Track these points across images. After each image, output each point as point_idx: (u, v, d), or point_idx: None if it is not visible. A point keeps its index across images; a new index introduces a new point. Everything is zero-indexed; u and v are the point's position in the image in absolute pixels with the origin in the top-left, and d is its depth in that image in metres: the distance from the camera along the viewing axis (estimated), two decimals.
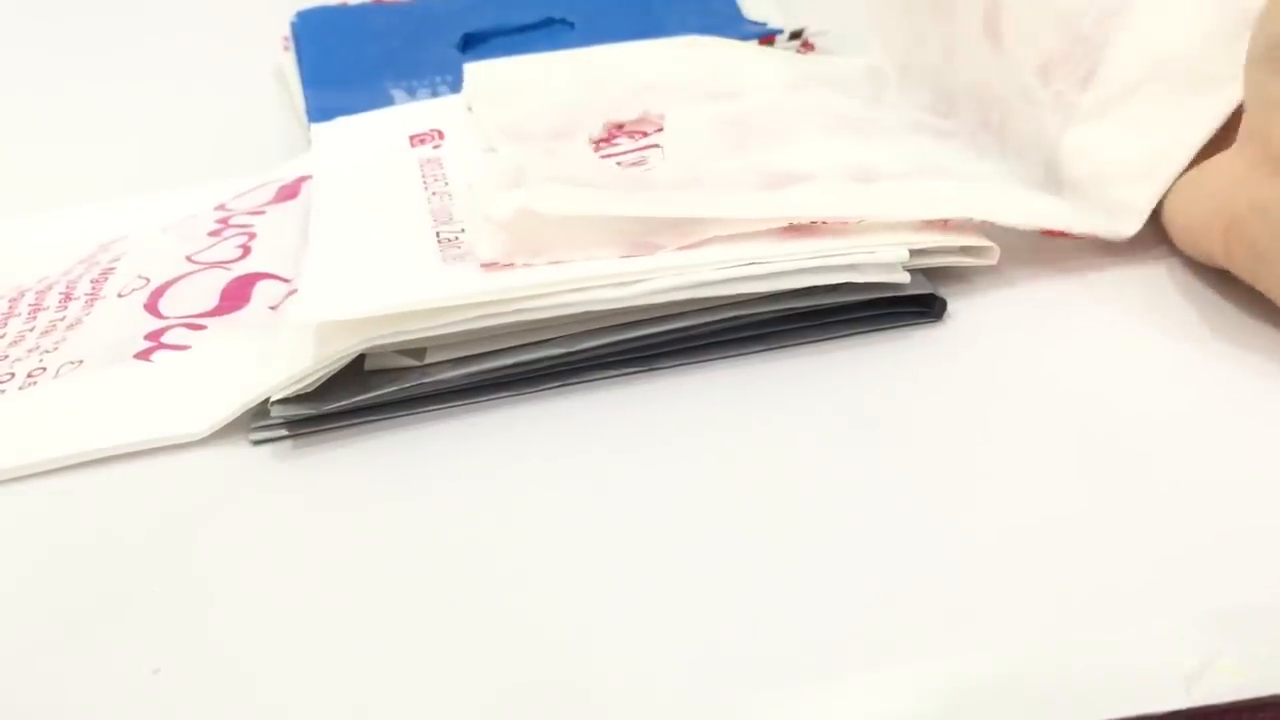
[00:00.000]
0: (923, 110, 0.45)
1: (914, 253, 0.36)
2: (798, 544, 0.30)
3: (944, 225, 0.36)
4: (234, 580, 0.30)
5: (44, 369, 0.37)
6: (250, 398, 0.34)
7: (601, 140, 0.43)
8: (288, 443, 0.35)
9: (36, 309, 0.40)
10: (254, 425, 0.35)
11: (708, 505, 0.31)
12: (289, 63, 0.56)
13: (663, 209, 0.36)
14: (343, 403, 0.34)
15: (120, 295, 0.40)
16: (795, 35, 0.55)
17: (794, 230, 0.36)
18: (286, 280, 0.39)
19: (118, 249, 0.44)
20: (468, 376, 0.35)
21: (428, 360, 0.35)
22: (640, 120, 0.44)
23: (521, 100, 0.46)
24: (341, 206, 0.40)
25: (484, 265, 0.35)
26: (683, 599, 0.28)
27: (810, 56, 0.52)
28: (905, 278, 0.36)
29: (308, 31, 0.57)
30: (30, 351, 0.38)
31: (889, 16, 0.48)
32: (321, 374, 0.34)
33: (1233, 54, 0.34)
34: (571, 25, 0.57)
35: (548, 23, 0.57)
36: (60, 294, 0.41)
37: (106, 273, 0.42)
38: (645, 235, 0.35)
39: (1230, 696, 0.25)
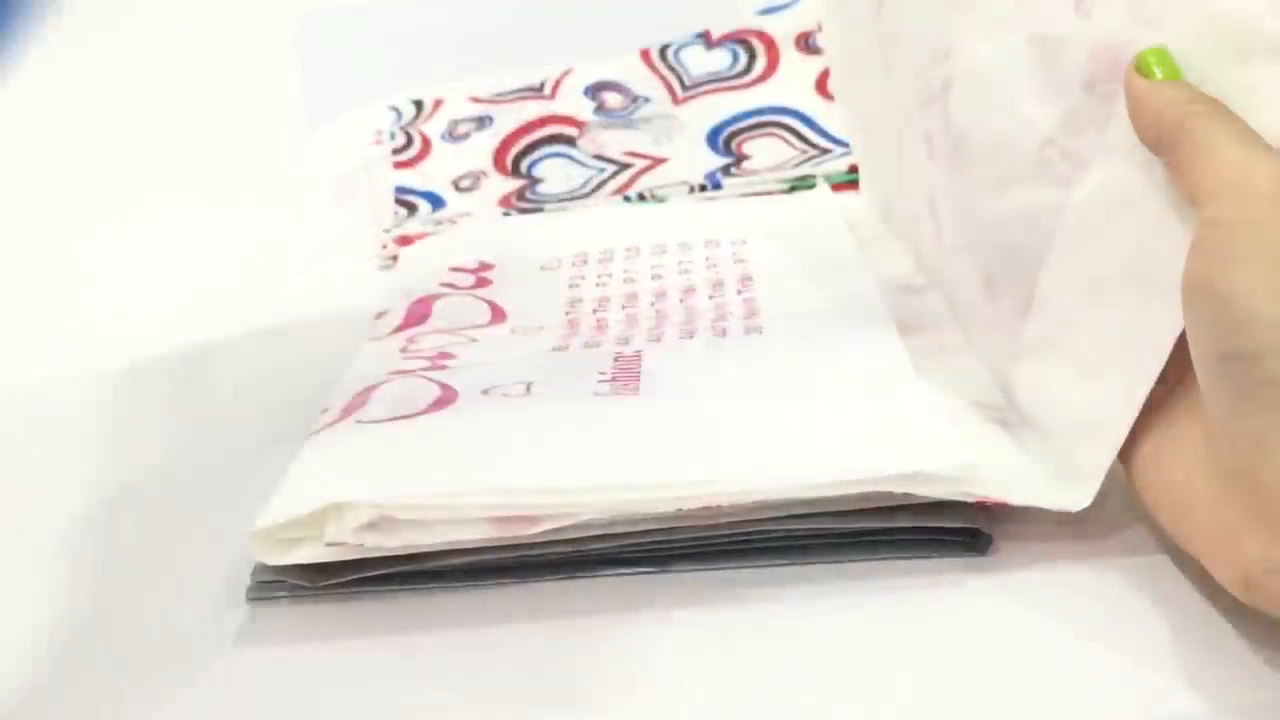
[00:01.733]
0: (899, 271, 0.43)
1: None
2: None
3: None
4: None
5: None
6: None
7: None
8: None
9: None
10: (252, 583, 0.33)
11: None
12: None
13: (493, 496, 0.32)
14: (348, 576, 0.33)
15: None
16: None
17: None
18: None
19: None
20: (472, 563, 0.33)
21: None
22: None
23: None
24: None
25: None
26: None
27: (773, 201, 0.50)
28: (971, 495, 0.31)
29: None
30: None
31: (874, 158, 0.45)
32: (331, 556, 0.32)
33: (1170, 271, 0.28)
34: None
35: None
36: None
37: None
38: None
39: None
